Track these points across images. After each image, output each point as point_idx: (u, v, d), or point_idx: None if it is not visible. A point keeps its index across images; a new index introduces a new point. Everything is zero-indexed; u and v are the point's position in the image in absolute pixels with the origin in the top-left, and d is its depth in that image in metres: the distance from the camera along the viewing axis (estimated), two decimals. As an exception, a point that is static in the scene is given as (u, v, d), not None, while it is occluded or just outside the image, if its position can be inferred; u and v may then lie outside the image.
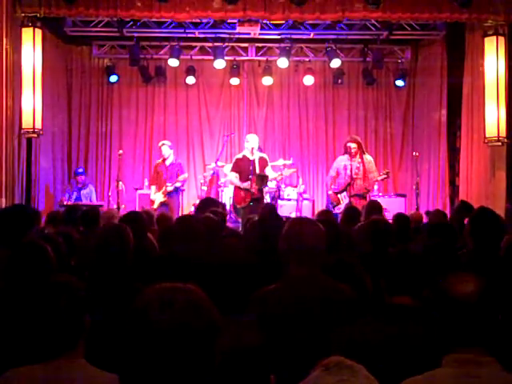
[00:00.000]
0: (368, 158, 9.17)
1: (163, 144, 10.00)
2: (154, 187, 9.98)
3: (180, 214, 10.00)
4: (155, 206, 9.61)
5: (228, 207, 8.81)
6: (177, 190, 9.89)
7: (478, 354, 1.87)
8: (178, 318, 1.29)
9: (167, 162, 9.92)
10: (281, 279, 2.78)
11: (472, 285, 1.93)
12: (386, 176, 9.23)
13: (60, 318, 2.02)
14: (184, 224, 3.96)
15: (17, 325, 2.27)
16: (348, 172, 8.91)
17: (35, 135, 9.12)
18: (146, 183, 10.57)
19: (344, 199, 8.93)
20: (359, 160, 8.99)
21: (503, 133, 9.12)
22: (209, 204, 5.82)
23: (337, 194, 9.07)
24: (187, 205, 10.74)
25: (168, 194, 9.77)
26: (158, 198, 9.84)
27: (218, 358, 1.37)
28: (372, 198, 9.00)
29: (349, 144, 9.10)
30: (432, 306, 2.00)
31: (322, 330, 2.53)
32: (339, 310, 2.61)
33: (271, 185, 9.67)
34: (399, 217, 5.50)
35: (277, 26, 10.76)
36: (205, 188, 10.61)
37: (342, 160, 9.13)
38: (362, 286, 3.02)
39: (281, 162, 10.25)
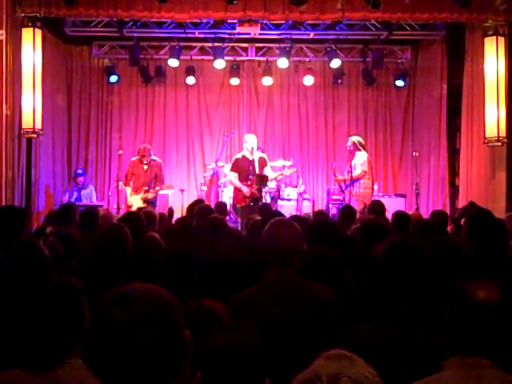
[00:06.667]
0: (359, 155, 9.00)
1: (144, 156, 9.37)
2: (129, 189, 9.42)
3: (180, 215, 10.02)
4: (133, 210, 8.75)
5: (228, 207, 8.81)
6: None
7: (478, 358, 1.88)
8: (131, 314, 1.37)
9: (145, 167, 9.39)
10: (259, 282, 2.78)
11: (494, 291, 1.94)
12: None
13: (60, 319, 2.02)
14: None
15: (15, 326, 2.26)
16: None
17: (35, 135, 9.13)
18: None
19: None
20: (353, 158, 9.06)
21: (503, 133, 9.13)
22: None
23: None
24: (187, 205, 10.71)
25: (147, 201, 9.25)
26: (135, 202, 9.28)
27: (191, 355, 1.44)
28: (373, 198, 8.99)
29: None
30: (448, 309, 1.99)
31: (299, 331, 2.53)
32: (315, 311, 2.60)
33: (271, 185, 9.69)
34: (397, 214, 5.50)
35: (277, 26, 10.76)
36: (205, 188, 10.63)
37: None
38: (342, 275, 3.02)
39: (280, 162, 10.25)
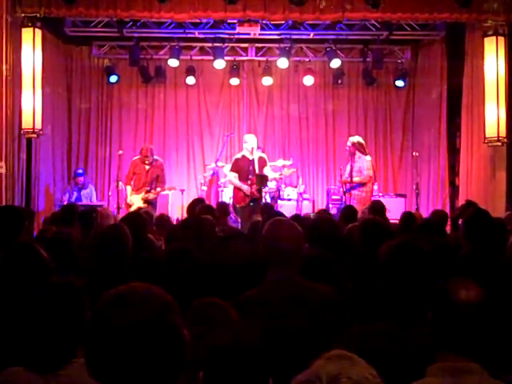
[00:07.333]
0: (363, 158, 9.03)
1: (146, 157, 9.36)
2: (129, 188, 9.38)
3: (181, 215, 10.00)
4: (132, 209, 8.67)
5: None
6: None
7: (463, 362, 1.86)
8: (130, 315, 1.35)
9: (147, 167, 9.37)
10: (261, 283, 2.76)
11: (475, 291, 1.93)
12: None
13: (61, 320, 2.02)
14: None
15: (16, 327, 2.26)
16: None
17: (35, 135, 9.13)
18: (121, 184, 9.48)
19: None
20: (354, 160, 9.03)
21: (503, 133, 9.13)
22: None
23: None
24: (187, 205, 10.71)
25: (148, 202, 9.23)
26: (136, 202, 9.25)
27: (190, 356, 1.42)
28: (373, 198, 9.00)
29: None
30: (431, 310, 1.99)
31: (300, 331, 2.52)
32: (316, 311, 2.59)
33: (271, 185, 9.69)
34: (405, 216, 5.53)
35: (277, 26, 10.76)
36: (205, 188, 10.63)
37: None
38: (337, 281, 3.02)
39: (280, 162, 10.25)
